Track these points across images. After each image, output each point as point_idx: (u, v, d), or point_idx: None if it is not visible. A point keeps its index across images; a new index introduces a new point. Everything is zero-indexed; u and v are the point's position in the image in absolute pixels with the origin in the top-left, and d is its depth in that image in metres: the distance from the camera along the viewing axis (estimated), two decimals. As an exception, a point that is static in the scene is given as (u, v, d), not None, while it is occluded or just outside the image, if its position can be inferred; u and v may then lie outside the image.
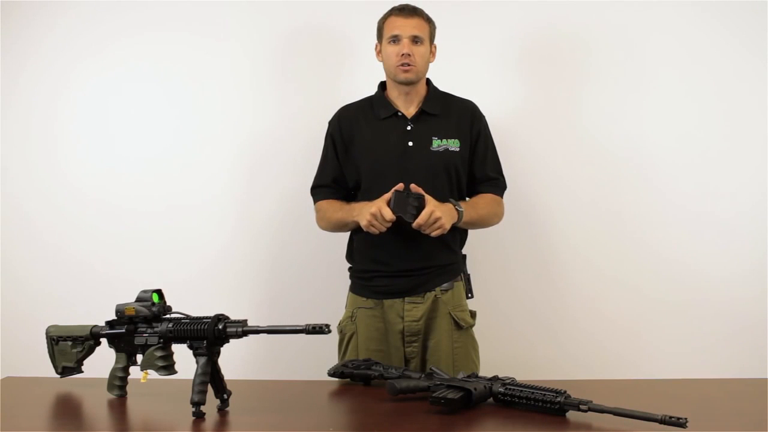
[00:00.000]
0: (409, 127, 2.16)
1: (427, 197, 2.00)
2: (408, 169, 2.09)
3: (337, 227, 2.20)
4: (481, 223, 2.20)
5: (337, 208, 2.17)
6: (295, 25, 2.65)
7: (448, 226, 2.02)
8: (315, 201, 2.26)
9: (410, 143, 2.14)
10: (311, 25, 2.65)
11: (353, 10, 2.58)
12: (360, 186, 2.18)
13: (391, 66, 2.13)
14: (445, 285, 2.15)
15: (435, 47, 2.19)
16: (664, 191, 2.57)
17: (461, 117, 2.18)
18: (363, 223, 2.02)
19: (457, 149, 2.14)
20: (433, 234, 2.00)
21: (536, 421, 1.49)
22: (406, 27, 2.10)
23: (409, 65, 2.10)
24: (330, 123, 2.25)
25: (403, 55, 2.09)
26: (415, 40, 2.10)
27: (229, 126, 2.68)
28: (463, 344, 2.14)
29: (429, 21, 2.15)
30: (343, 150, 2.20)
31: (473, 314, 2.20)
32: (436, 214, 1.98)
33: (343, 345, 2.20)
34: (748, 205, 2.55)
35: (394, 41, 2.11)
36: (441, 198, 2.10)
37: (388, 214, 1.99)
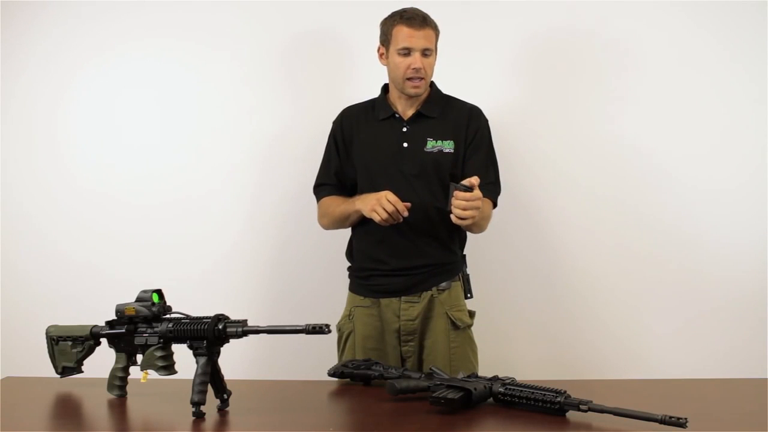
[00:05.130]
0: (404, 129, 2.16)
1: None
2: (401, 169, 2.10)
3: (339, 221, 2.19)
4: (477, 228, 2.14)
5: (339, 202, 2.17)
6: (297, 28, 2.65)
7: (477, 219, 1.96)
8: (318, 199, 2.26)
9: (405, 144, 2.14)
10: (313, 28, 2.65)
11: (354, 13, 2.57)
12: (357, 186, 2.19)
13: (399, 78, 2.11)
14: (442, 285, 2.14)
15: (437, 51, 2.18)
16: (665, 192, 2.57)
17: (458, 118, 2.17)
18: (366, 208, 2.02)
19: (451, 150, 2.13)
20: (464, 220, 1.92)
21: (536, 421, 1.49)
22: (417, 40, 2.06)
23: (420, 79, 2.08)
24: (333, 123, 2.27)
25: (414, 69, 2.07)
26: (426, 52, 2.08)
27: (230, 128, 2.68)
28: (460, 344, 2.14)
29: (436, 28, 2.12)
30: (344, 149, 2.21)
31: (472, 314, 2.20)
32: (480, 203, 1.93)
33: (341, 343, 2.20)
34: (749, 206, 2.54)
35: (404, 53, 2.08)
36: (432, 200, 2.10)
37: (392, 196, 1.98)
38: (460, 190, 1.90)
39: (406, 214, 2.00)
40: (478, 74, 2.57)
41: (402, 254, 2.12)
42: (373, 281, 2.17)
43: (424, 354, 2.14)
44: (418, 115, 2.16)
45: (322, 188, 2.25)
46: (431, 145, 2.13)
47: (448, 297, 2.15)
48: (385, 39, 2.14)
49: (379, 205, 1.98)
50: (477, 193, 1.91)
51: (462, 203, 1.90)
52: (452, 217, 1.94)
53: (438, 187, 2.12)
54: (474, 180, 1.90)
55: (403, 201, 2.03)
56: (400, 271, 2.13)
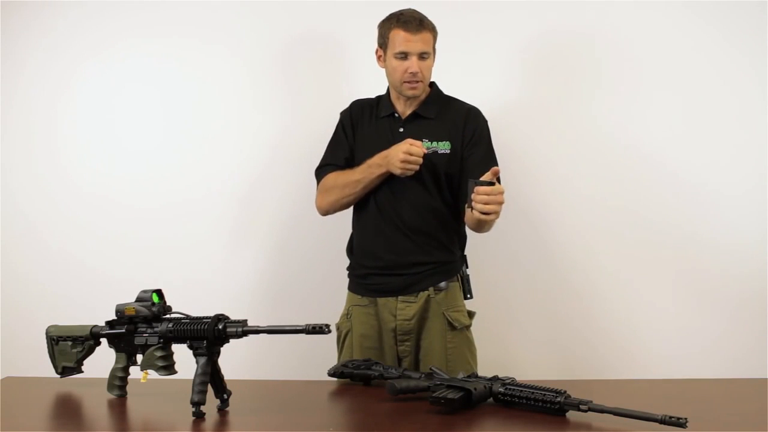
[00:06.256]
0: (401, 129, 2.16)
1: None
2: None
3: (350, 191, 2.12)
4: (488, 226, 2.09)
5: (350, 172, 2.13)
6: (296, 27, 2.65)
7: (499, 213, 1.91)
8: (320, 177, 2.21)
9: None
10: (313, 27, 2.65)
11: (354, 13, 2.57)
12: None
13: (396, 80, 2.11)
14: (440, 285, 2.14)
15: (435, 51, 2.18)
16: (665, 192, 2.57)
17: (456, 119, 2.16)
18: (397, 164, 2.00)
19: (447, 151, 2.13)
20: (488, 215, 1.86)
21: (536, 421, 1.49)
22: (414, 44, 2.06)
23: (417, 82, 2.09)
24: (342, 113, 2.27)
25: (411, 73, 2.07)
26: (423, 56, 2.08)
27: (230, 127, 2.68)
28: (457, 345, 2.13)
29: (433, 30, 2.12)
30: (352, 137, 2.22)
31: (471, 315, 2.20)
32: (503, 198, 1.88)
33: (340, 342, 2.21)
34: (749, 206, 2.54)
35: (401, 57, 2.08)
36: (429, 200, 2.11)
37: (419, 143, 2.00)
38: (481, 185, 1.85)
39: (425, 149, 2.03)
40: (478, 74, 2.57)
41: (397, 251, 2.12)
42: (370, 280, 2.17)
43: (420, 354, 2.14)
44: (415, 116, 2.16)
45: (327, 168, 2.21)
46: (426, 146, 2.11)
47: (445, 297, 2.14)
48: (383, 42, 2.14)
49: (410, 155, 1.99)
50: (499, 187, 1.86)
51: (484, 197, 1.83)
52: (474, 213, 1.87)
53: (433, 188, 2.12)
54: (494, 170, 1.86)
55: (397, 201, 2.10)
56: (395, 270, 2.13)
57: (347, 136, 2.22)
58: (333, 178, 2.17)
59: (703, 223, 2.56)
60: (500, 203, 1.86)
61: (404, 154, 1.99)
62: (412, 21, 2.07)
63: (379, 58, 2.17)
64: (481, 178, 1.87)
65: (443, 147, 2.13)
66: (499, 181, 2.06)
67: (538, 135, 2.60)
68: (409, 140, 2.02)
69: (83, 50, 2.68)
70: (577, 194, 2.59)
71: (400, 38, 2.07)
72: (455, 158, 2.14)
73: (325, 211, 2.22)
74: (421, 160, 2.01)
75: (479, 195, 1.83)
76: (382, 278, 2.15)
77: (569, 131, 2.59)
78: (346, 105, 2.29)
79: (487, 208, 1.83)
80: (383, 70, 2.18)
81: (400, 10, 2.12)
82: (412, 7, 2.14)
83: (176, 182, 2.67)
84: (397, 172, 2.02)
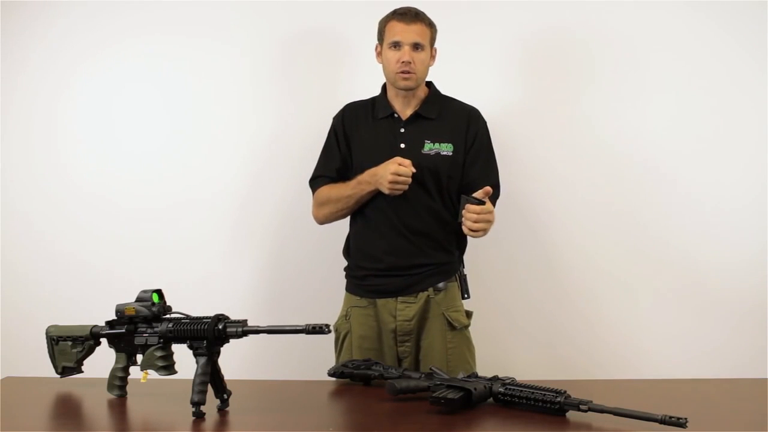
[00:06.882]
0: (402, 130, 2.16)
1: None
2: None
3: (343, 206, 2.14)
4: (481, 233, 2.12)
5: (342, 187, 2.15)
6: (295, 26, 2.65)
7: (488, 230, 2.00)
8: (314, 189, 2.23)
9: (402, 145, 2.13)
10: (312, 26, 2.65)
11: (354, 12, 2.58)
12: None
13: (390, 71, 2.13)
14: (439, 285, 2.14)
15: (435, 50, 2.18)
16: (665, 192, 2.57)
17: (458, 121, 2.17)
18: (385, 183, 2.01)
19: (450, 153, 2.13)
20: (476, 232, 1.96)
21: (536, 421, 1.49)
22: (407, 33, 2.09)
23: (409, 72, 2.09)
24: (334, 118, 2.27)
25: (403, 62, 2.08)
26: (416, 46, 2.09)
27: (229, 127, 2.67)
28: (457, 345, 2.13)
29: (431, 26, 2.14)
30: (345, 145, 2.21)
31: (469, 314, 2.20)
32: (492, 216, 1.98)
33: (338, 344, 2.20)
34: (749, 209, 2.54)
35: (394, 47, 2.10)
36: (429, 202, 2.11)
37: (408, 162, 2.00)
38: (472, 203, 1.93)
39: (413, 169, 2.02)
40: (477, 74, 2.57)
41: (397, 252, 2.12)
42: (369, 281, 2.17)
43: (420, 354, 2.14)
44: (416, 116, 2.16)
45: (319, 180, 2.22)
46: (428, 147, 2.12)
47: (445, 297, 2.14)
48: (381, 36, 2.16)
49: (398, 176, 1.99)
50: (489, 206, 1.96)
51: (473, 216, 1.93)
52: (463, 228, 1.97)
53: (434, 190, 2.12)
54: (486, 190, 1.94)
55: (397, 203, 2.09)
56: (395, 271, 2.13)
57: (339, 144, 2.21)
58: (326, 192, 2.18)
59: (703, 223, 2.56)
60: (488, 222, 1.97)
61: (392, 175, 1.99)
62: (407, 13, 2.12)
63: (378, 54, 2.19)
64: (473, 195, 1.94)
65: (446, 149, 2.13)
66: (495, 194, 2.12)
67: (537, 135, 2.60)
68: (398, 159, 2.02)
69: (83, 50, 2.68)
70: (575, 195, 2.59)
71: (394, 29, 2.11)
72: (457, 161, 2.14)
73: (321, 222, 2.25)
74: (409, 180, 2.01)
75: (469, 213, 1.94)
76: (381, 279, 2.14)
77: (567, 132, 2.59)
78: (344, 104, 2.28)
79: (475, 226, 1.95)
80: (381, 71, 2.18)
81: (399, 7, 2.15)
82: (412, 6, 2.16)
83: (176, 182, 2.67)
84: (386, 191, 2.03)
